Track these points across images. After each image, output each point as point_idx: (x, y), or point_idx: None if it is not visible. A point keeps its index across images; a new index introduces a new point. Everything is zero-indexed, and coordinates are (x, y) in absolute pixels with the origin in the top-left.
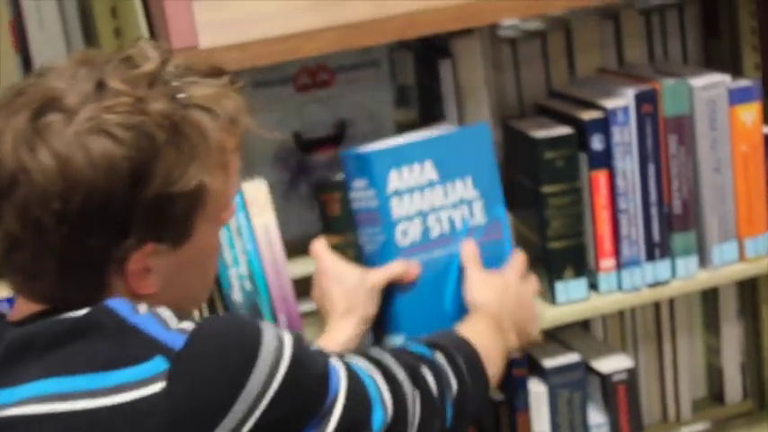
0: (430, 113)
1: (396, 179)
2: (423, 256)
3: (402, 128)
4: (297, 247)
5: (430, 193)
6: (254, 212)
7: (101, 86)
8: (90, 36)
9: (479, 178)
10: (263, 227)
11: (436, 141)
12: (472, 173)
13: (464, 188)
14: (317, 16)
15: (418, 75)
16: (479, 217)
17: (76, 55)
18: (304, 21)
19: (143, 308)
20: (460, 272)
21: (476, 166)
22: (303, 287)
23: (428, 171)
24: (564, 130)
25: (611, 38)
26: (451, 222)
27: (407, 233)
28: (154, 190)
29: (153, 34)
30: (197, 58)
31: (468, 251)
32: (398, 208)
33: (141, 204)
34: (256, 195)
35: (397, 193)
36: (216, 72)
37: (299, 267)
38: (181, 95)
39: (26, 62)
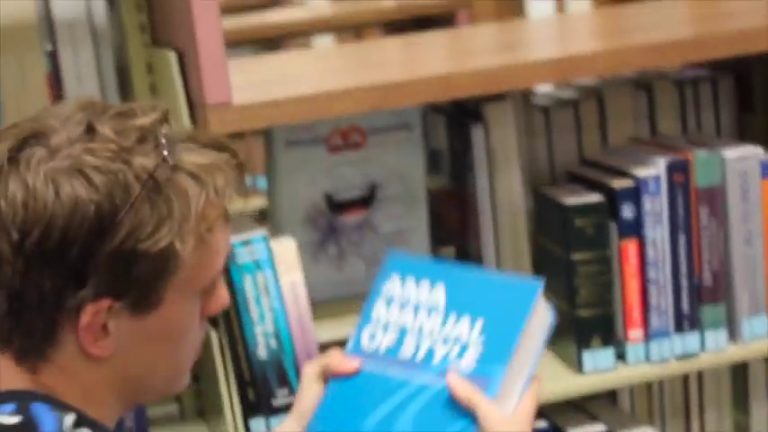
0: (461, 178)
1: (395, 285)
2: (375, 366)
3: (432, 193)
4: (324, 310)
5: (424, 316)
6: (282, 270)
7: (90, 130)
8: (126, 91)
9: (494, 328)
10: (290, 284)
11: (472, 278)
12: (488, 318)
13: (468, 329)
14: (349, 77)
15: (450, 139)
16: (467, 363)
17: (81, 100)
18: (336, 81)
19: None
20: (427, 409)
21: (498, 316)
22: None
23: (436, 295)
24: (594, 198)
25: (644, 109)
26: (430, 353)
27: (375, 338)
28: (117, 242)
29: (188, 90)
30: (230, 116)
31: (461, 384)
32: (380, 311)
33: (102, 254)
34: (285, 253)
35: (389, 298)
36: (217, 145)
37: (326, 332)
38: (169, 156)
39: None
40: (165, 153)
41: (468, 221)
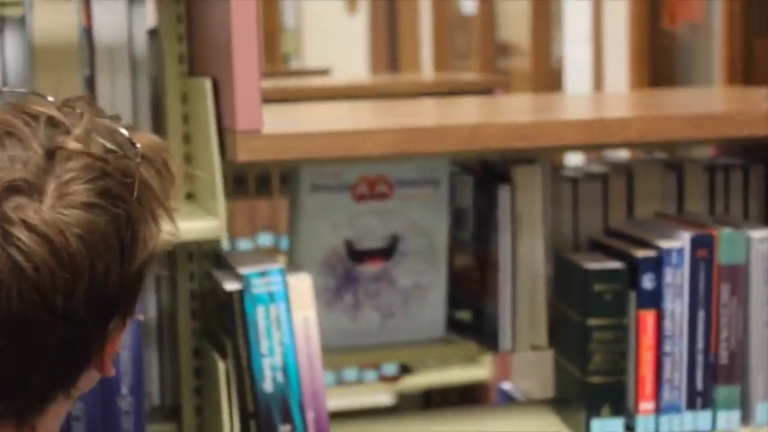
0: (484, 239)
1: None
2: None
3: (453, 252)
4: (335, 361)
5: None
6: (296, 305)
7: (51, 155)
8: (158, 120)
9: None
10: (303, 320)
11: None
12: None
13: None
14: (381, 121)
15: (476, 199)
16: None
17: None
18: (368, 123)
19: None
20: None
21: None
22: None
23: None
24: (615, 264)
25: (672, 189)
26: None
27: None
28: (139, 259)
29: (219, 119)
30: (260, 143)
31: None
32: None
33: (129, 278)
34: (299, 288)
35: None
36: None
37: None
38: (128, 146)
39: None
40: (135, 148)
41: (487, 282)
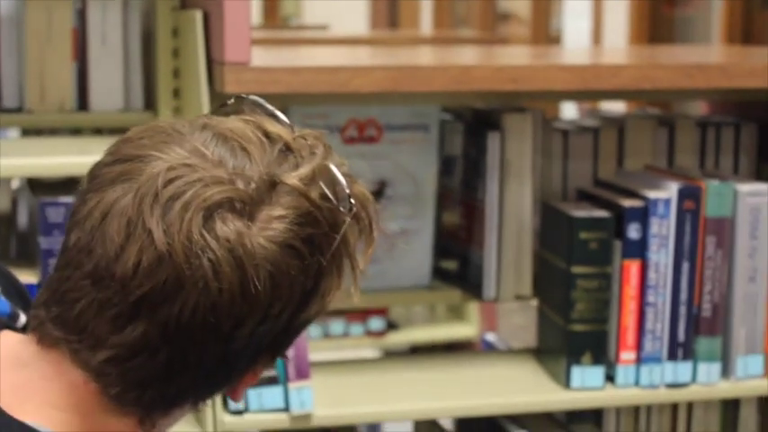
0: (472, 186)
1: None
2: None
3: (441, 198)
4: None
5: None
6: None
7: (273, 186)
8: (148, 54)
9: None
10: None
11: None
12: None
13: None
14: (373, 60)
15: (466, 145)
16: None
17: (209, 127)
18: (359, 61)
19: None
20: None
21: None
22: None
23: None
24: (602, 213)
25: (663, 145)
26: None
27: None
28: (312, 311)
29: (209, 52)
30: (248, 76)
31: None
32: None
33: (295, 324)
34: None
35: None
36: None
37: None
38: (344, 200)
39: (81, 73)
40: (349, 204)
41: (473, 230)
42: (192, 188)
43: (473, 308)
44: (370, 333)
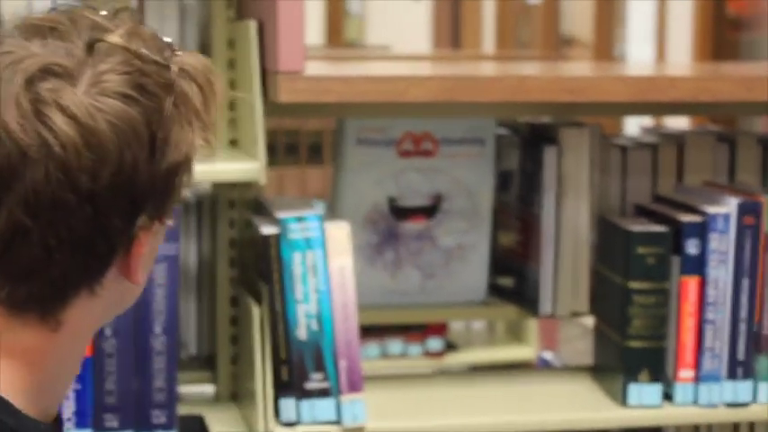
0: (528, 200)
1: None
2: None
3: (497, 213)
4: (373, 318)
5: None
6: (333, 253)
7: (91, 48)
8: None
9: None
10: (339, 269)
11: None
12: None
13: None
14: (428, 69)
15: (522, 160)
16: None
17: (27, 24)
18: (414, 69)
19: None
20: None
21: None
22: None
23: None
24: (659, 228)
25: (724, 162)
26: None
27: None
28: (169, 158)
29: (263, 62)
30: (301, 85)
31: None
32: None
33: (158, 175)
34: (337, 236)
35: None
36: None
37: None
38: (169, 58)
39: None
40: (170, 56)
41: (530, 246)
42: (10, 66)
43: (532, 328)
44: (428, 353)
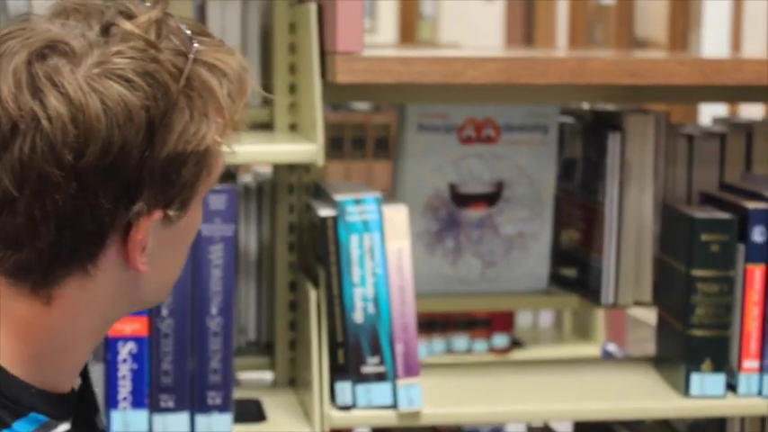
0: (591, 188)
1: None
2: None
3: (559, 201)
4: (431, 305)
5: None
6: (390, 235)
7: (106, 32)
8: (267, 50)
9: None
10: (397, 251)
11: None
12: None
13: None
14: (486, 52)
15: (585, 148)
16: None
17: (58, 7)
18: (471, 51)
19: None
20: None
21: None
22: None
23: None
24: (724, 215)
25: None
26: None
27: None
28: (171, 146)
29: (323, 45)
30: (359, 65)
31: None
32: None
33: (157, 162)
34: (395, 218)
35: None
36: (206, 33)
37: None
38: (191, 50)
39: None
40: (188, 47)
41: (592, 234)
42: (22, 40)
43: (599, 325)
44: (493, 350)
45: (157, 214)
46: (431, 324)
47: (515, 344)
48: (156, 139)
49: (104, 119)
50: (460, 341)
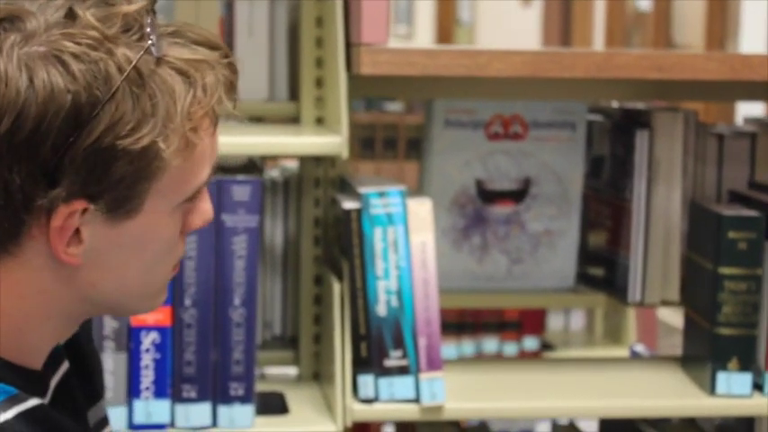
0: (619, 186)
1: None
2: None
3: (587, 199)
4: (457, 301)
5: None
6: (414, 228)
7: (70, 15)
8: (294, 44)
9: None
10: (421, 244)
11: None
12: None
13: None
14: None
15: (613, 145)
16: None
17: None
18: (487, 32)
19: None
20: None
21: None
22: None
23: None
24: (752, 212)
25: None
26: None
27: None
28: (95, 137)
29: (348, 38)
30: (384, 57)
31: None
32: None
33: (78, 150)
34: (419, 212)
35: None
36: (207, 42)
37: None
38: (155, 48)
39: None
40: (151, 44)
41: (620, 231)
42: None
43: (630, 328)
44: (524, 352)
45: (79, 204)
46: (460, 326)
47: (546, 347)
48: (83, 127)
49: (24, 94)
50: (490, 343)
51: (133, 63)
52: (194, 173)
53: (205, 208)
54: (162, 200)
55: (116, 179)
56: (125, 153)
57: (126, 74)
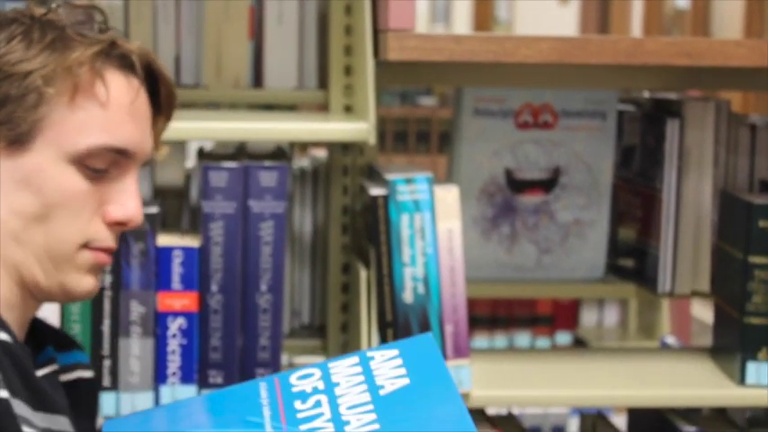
0: (649, 176)
1: None
2: None
3: (617, 188)
4: (486, 291)
5: None
6: (441, 215)
7: None
8: (323, 33)
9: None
10: (447, 231)
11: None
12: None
13: None
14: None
15: (643, 135)
16: None
17: None
18: (525, 31)
19: None
20: None
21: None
22: None
23: None
24: None
25: None
26: None
27: None
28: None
29: (376, 24)
30: (411, 42)
31: None
32: None
33: None
34: (446, 198)
35: None
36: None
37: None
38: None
39: (257, 51)
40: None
41: (650, 221)
42: None
43: (664, 323)
44: (556, 348)
45: None
46: (493, 320)
47: (579, 343)
48: None
49: None
50: (523, 338)
51: (31, 14)
52: (80, 130)
53: (126, 202)
54: (49, 146)
55: (2, 98)
56: (8, 76)
57: (22, 19)
